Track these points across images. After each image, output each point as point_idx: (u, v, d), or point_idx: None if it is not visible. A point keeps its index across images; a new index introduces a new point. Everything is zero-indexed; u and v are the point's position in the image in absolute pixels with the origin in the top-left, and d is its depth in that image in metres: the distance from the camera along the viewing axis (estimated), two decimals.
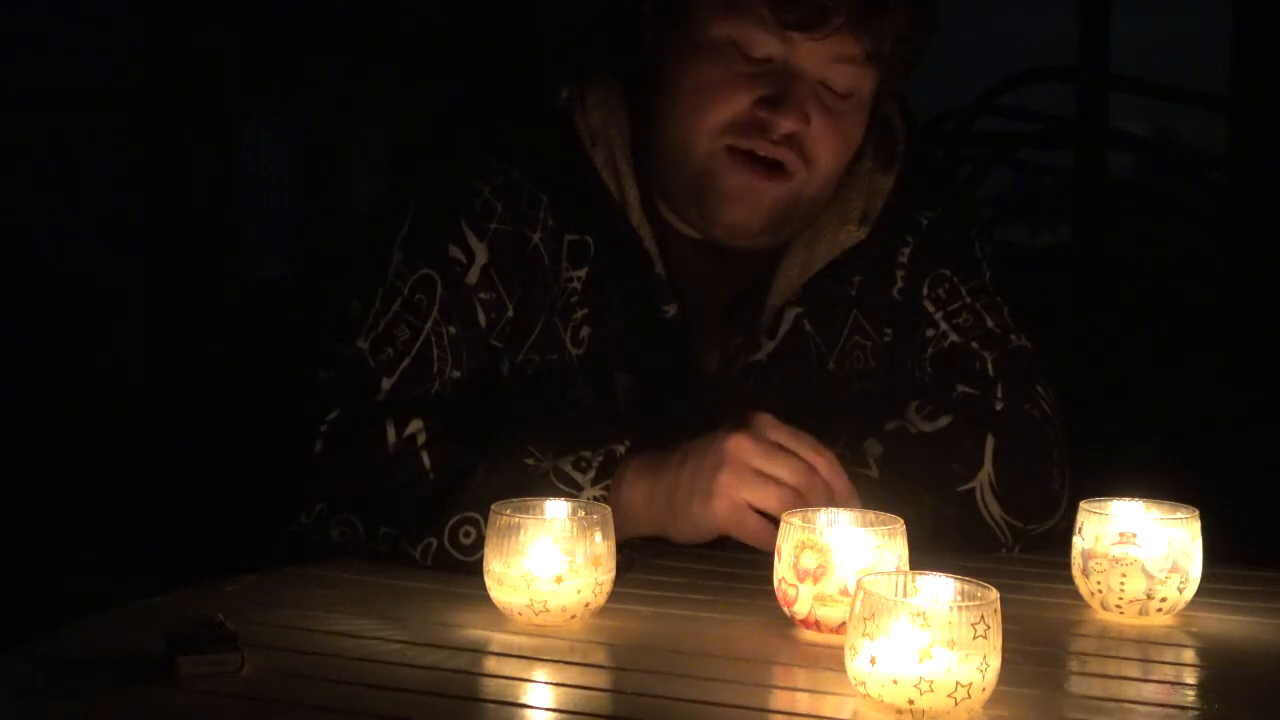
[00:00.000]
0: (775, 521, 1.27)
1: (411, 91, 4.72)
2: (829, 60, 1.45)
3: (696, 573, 1.40)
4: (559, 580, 1.23)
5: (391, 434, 1.43)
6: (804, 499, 1.33)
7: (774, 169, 1.47)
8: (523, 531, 1.24)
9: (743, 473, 1.35)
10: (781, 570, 1.24)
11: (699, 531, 1.38)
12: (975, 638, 1.02)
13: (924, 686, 1.02)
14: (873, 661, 1.03)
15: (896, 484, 1.47)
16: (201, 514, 3.16)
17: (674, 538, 1.40)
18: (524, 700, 1.11)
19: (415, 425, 1.43)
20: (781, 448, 1.36)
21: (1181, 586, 1.29)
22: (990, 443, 1.51)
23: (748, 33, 1.44)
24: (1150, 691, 1.15)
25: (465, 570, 1.35)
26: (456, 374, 1.51)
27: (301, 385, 1.48)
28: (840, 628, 1.16)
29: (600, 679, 1.17)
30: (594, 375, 1.55)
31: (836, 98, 1.47)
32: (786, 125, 1.45)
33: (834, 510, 1.28)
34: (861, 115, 1.51)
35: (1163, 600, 1.29)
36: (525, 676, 1.15)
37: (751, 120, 1.46)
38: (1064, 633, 1.30)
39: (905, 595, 1.08)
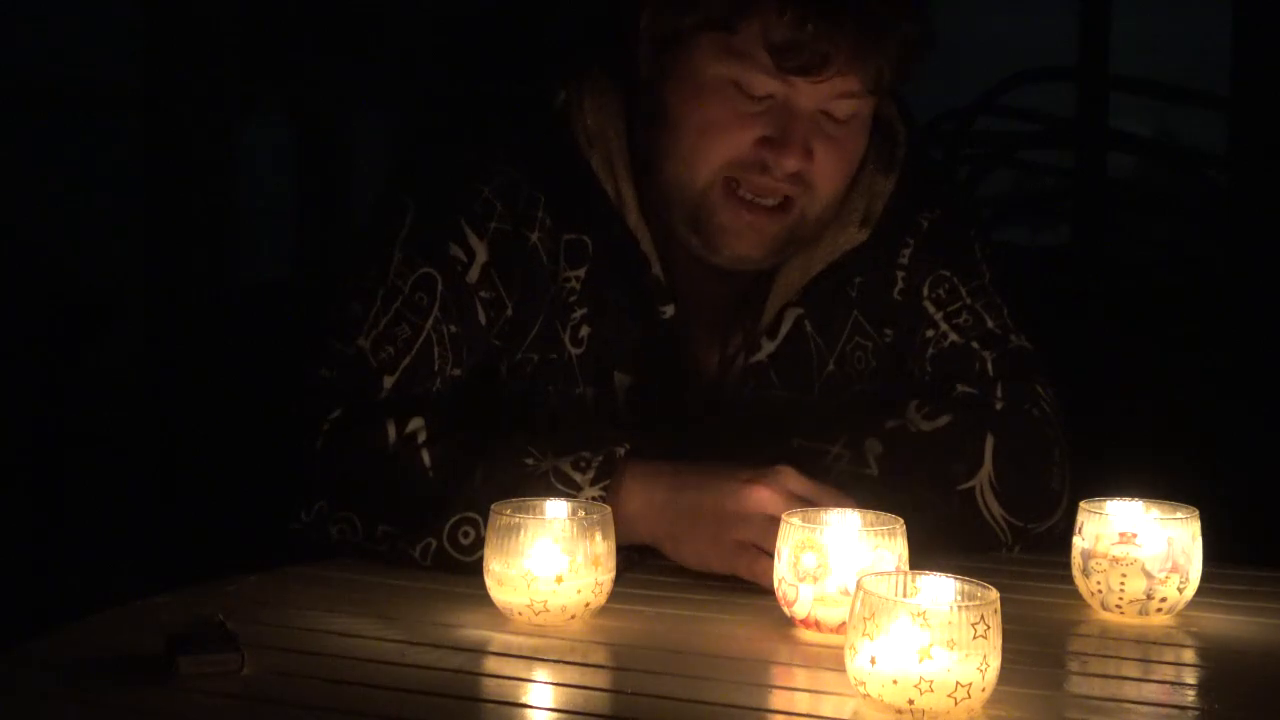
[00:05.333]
0: None
1: (411, 91, 4.72)
2: (830, 97, 1.45)
3: (696, 573, 1.39)
4: (559, 580, 1.23)
5: (392, 432, 1.43)
6: None
7: (776, 207, 1.47)
8: (523, 531, 1.24)
9: (760, 523, 1.34)
10: (781, 570, 1.24)
11: (701, 566, 1.38)
12: (975, 638, 1.02)
13: (924, 686, 1.02)
14: (873, 661, 1.03)
15: (897, 483, 1.47)
16: (201, 514, 3.16)
17: (670, 557, 1.40)
18: (524, 700, 1.11)
19: (416, 424, 1.43)
20: (801, 499, 1.36)
21: (1181, 586, 1.29)
22: (990, 442, 1.51)
23: (747, 75, 1.44)
24: (1150, 691, 1.15)
25: (464, 570, 1.35)
26: (457, 372, 1.51)
27: (303, 384, 1.48)
28: (840, 628, 1.16)
29: (600, 679, 1.17)
30: (594, 375, 1.55)
31: (837, 125, 1.47)
32: (790, 165, 1.45)
33: (834, 510, 1.28)
34: (863, 133, 1.51)
35: (1163, 600, 1.29)
36: (525, 676, 1.15)
37: (754, 159, 1.45)
38: (1064, 633, 1.30)
39: (905, 595, 1.08)
